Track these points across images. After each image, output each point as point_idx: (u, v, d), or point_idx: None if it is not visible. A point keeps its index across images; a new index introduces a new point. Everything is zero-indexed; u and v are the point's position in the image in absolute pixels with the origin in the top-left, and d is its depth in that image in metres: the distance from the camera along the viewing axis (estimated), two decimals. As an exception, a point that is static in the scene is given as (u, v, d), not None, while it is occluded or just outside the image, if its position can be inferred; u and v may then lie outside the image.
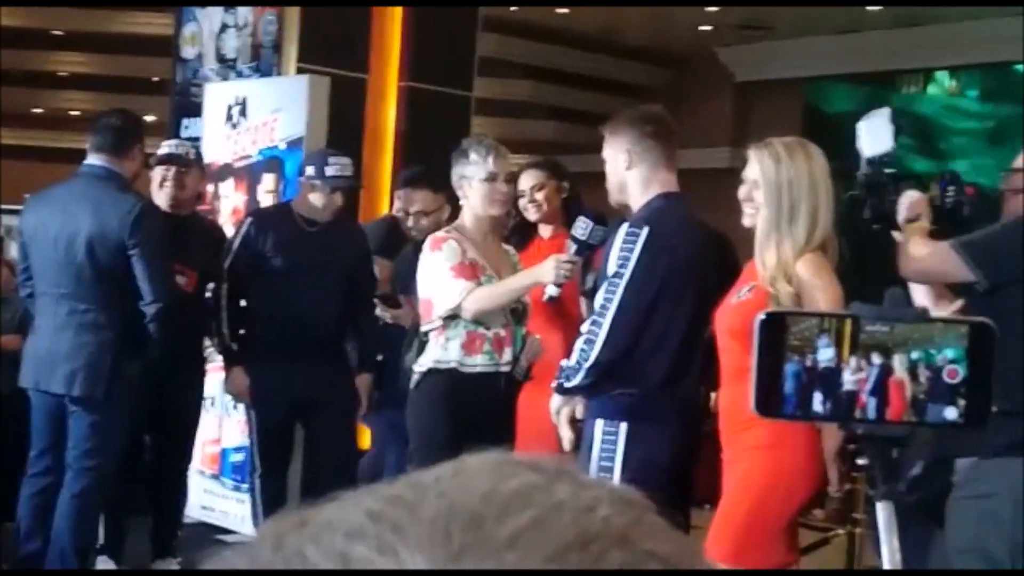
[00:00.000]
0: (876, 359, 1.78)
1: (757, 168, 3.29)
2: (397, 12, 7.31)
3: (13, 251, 7.80)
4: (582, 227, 3.91)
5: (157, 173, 5.20)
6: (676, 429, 3.57)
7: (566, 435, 3.62)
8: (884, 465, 1.96)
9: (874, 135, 3.21)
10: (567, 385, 3.49)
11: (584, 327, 3.45)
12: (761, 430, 3.19)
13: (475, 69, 7.57)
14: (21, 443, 5.04)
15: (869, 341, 1.79)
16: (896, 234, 3.30)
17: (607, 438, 3.45)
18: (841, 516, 5.92)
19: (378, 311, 5.29)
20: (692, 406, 3.88)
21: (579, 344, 3.45)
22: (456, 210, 5.66)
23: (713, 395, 4.35)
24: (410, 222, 5.47)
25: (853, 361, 1.78)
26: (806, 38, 13.37)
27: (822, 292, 3.19)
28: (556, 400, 3.62)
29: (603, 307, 3.41)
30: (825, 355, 1.79)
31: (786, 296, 3.16)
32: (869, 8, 12.24)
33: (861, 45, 13.06)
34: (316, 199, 5.08)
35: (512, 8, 12.49)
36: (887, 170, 3.23)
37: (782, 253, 3.21)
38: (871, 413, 1.80)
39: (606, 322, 3.40)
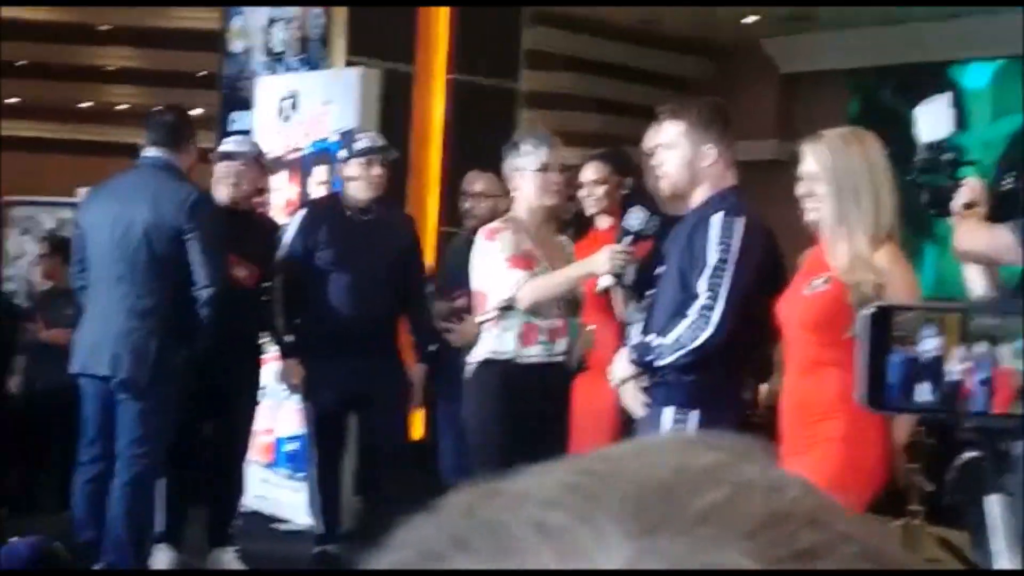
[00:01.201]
0: (983, 349, 1.75)
1: (814, 161, 3.28)
2: (444, 5, 7.33)
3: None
4: (636, 218, 3.90)
5: (217, 169, 5.25)
6: (739, 417, 3.59)
7: (638, 403, 3.59)
8: (994, 457, 1.92)
9: (933, 120, 3.20)
10: (658, 362, 3.46)
11: (692, 309, 3.41)
12: (836, 422, 3.19)
13: (521, 61, 7.58)
14: (75, 433, 5.11)
15: (976, 331, 1.75)
16: (952, 219, 3.29)
17: (677, 426, 3.45)
18: (895, 508, 5.89)
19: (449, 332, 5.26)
20: (746, 397, 3.90)
21: (684, 324, 3.42)
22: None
23: (763, 387, 4.35)
24: (468, 203, 5.48)
25: (959, 351, 1.75)
26: (852, 29, 13.29)
27: (904, 285, 3.18)
28: (626, 369, 3.59)
29: (712, 292, 3.39)
30: (930, 345, 1.76)
31: (868, 285, 3.15)
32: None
33: (908, 35, 12.96)
34: (356, 176, 5.12)
35: (556, 0, 12.48)
36: (945, 155, 3.22)
37: (855, 243, 3.20)
38: (978, 404, 1.76)
39: (719, 306, 3.39)
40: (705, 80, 14.78)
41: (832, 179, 3.23)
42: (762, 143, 12.97)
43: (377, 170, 5.14)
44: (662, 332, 3.48)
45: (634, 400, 3.62)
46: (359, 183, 5.14)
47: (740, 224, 3.43)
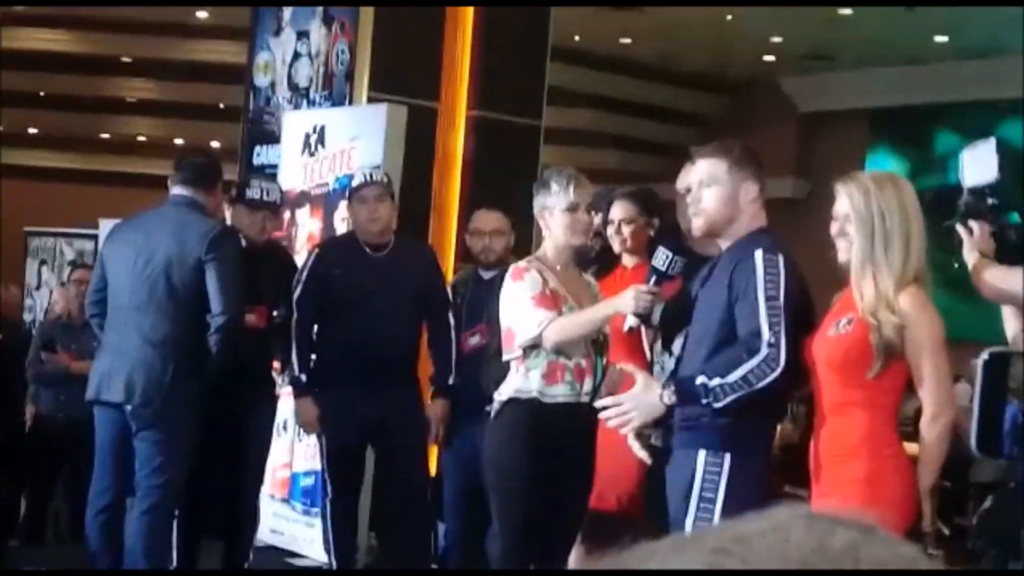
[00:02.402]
0: None
1: (847, 201, 3.28)
2: (467, 41, 7.37)
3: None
4: (662, 258, 3.89)
5: (241, 213, 5.20)
6: (769, 460, 3.57)
7: (643, 453, 3.59)
8: None
9: (978, 165, 3.20)
10: (717, 404, 3.38)
11: (760, 345, 3.35)
12: (859, 463, 3.19)
13: (544, 99, 7.61)
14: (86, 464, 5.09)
15: None
16: (976, 263, 3.29)
17: (711, 470, 3.41)
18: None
19: None
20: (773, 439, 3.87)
21: (752, 362, 3.35)
22: (520, 235, 5.72)
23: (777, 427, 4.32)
24: (486, 241, 5.49)
25: None
26: (870, 68, 13.32)
27: (928, 328, 3.18)
28: (650, 414, 3.52)
29: (775, 332, 3.34)
30: None
31: (890, 326, 3.15)
32: (936, 39, 12.18)
33: (925, 76, 13.00)
34: (355, 213, 5.20)
35: (575, 37, 12.55)
36: (989, 200, 3.22)
37: (880, 283, 3.20)
38: None
39: (783, 343, 3.33)
40: (722, 117, 14.83)
41: (863, 220, 3.24)
42: (779, 181, 13.01)
43: (371, 206, 5.14)
44: (718, 372, 3.39)
45: (640, 449, 3.58)
46: (359, 220, 5.17)
47: (781, 261, 3.41)
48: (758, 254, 3.40)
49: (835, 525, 0.50)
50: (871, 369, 3.19)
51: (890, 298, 3.18)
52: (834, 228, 3.33)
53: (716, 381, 3.38)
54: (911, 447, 3.38)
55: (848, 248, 3.28)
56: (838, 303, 3.39)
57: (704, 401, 3.40)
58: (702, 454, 3.43)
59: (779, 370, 3.34)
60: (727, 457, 3.41)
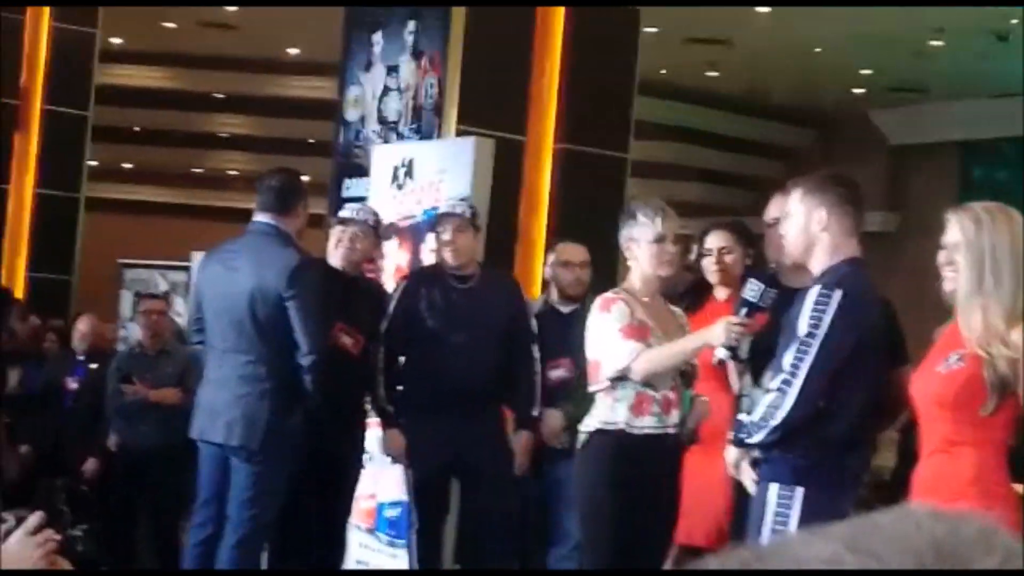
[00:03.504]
0: None
1: (957, 231, 3.21)
2: (555, 75, 7.42)
3: (179, 305, 8.08)
4: (753, 289, 3.86)
5: (334, 233, 5.33)
6: (849, 496, 3.51)
7: (750, 483, 3.58)
8: None
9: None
10: (748, 440, 3.47)
11: (773, 384, 3.40)
12: (968, 503, 3.09)
13: (631, 131, 7.62)
14: (188, 495, 5.18)
15: None
16: None
17: (782, 503, 3.39)
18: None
19: None
20: (861, 475, 3.81)
21: (765, 401, 3.41)
22: (604, 267, 5.73)
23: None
24: (576, 272, 5.53)
25: None
26: (962, 101, 13.13)
27: None
28: (733, 453, 3.61)
29: (794, 367, 3.35)
30: None
31: (1003, 361, 3.07)
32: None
33: (1018, 108, 12.77)
34: (440, 243, 5.23)
35: (662, 71, 12.55)
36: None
37: (989, 317, 3.11)
38: None
39: (798, 382, 3.34)
40: (810, 150, 14.71)
41: (973, 250, 3.16)
42: (869, 214, 12.86)
43: (450, 235, 5.16)
44: (751, 409, 3.48)
45: (748, 481, 3.58)
46: (443, 250, 5.20)
47: (836, 296, 3.37)
48: (814, 289, 3.40)
49: (962, 517, 0.53)
50: (985, 406, 3.11)
51: (1002, 332, 3.09)
52: (941, 257, 3.26)
53: (747, 418, 3.46)
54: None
55: (955, 278, 3.21)
56: (943, 337, 3.31)
57: (740, 436, 3.47)
58: (774, 487, 3.43)
59: (786, 408, 3.35)
60: (798, 491, 3.39)
